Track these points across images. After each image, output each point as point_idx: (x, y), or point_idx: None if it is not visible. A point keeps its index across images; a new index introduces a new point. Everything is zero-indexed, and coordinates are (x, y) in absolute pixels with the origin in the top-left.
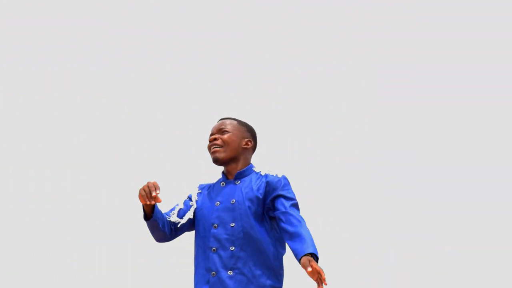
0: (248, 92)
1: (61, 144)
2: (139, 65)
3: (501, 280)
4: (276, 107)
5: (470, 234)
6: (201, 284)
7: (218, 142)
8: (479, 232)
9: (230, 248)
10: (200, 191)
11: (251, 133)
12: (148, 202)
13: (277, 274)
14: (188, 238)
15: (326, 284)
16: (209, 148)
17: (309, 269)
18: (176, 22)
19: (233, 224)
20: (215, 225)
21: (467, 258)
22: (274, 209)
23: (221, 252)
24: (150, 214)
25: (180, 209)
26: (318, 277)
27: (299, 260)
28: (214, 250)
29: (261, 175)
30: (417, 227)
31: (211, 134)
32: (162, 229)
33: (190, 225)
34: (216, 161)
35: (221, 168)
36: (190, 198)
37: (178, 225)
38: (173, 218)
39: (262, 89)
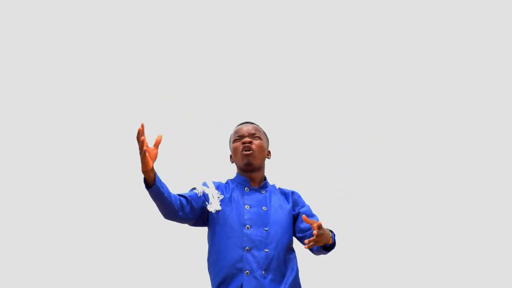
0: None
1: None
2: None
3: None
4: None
5: (468, 235)
6: (234, 283)
7: (253, 146)
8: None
9: (265, 250)
10: (219, 192)
11: (268, 144)
12: (141, 138)
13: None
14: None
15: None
16: (241, 150)
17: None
18: (178, 24)
19: (267, 229)
20: (248, 226)
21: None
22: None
23: (255, 252)
24: (152, 181)
25: (202, 197)
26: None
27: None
28: (247, 250)
29: (276, 188)
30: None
31: (242, 136)
32: (169, 198)
33: (204, 220)
34: (249, 165)
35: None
36: (205, 193)
37: (209, 212)
38: (212, 207)
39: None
